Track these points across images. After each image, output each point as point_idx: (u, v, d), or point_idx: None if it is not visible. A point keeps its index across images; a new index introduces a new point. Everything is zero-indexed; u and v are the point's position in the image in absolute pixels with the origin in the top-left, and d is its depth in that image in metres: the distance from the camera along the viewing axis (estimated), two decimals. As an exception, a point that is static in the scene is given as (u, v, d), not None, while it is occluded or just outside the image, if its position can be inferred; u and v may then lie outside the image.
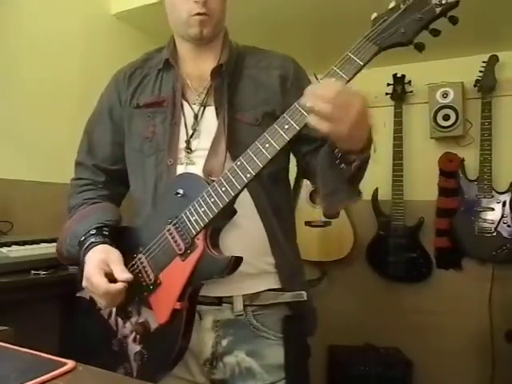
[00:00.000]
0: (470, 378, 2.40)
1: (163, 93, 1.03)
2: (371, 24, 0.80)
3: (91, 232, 0.94)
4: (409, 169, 2.59)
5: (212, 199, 0.84)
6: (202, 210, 0.85)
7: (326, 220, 2.64)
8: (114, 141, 1.08)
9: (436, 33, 0.79)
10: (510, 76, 2.42)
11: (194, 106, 1.02)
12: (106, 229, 0.95)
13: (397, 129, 2.54)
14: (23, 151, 1.73)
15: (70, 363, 0.57)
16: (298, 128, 0.79)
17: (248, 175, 0.82)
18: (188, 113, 1.01)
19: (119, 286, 0.86)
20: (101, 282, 0.86)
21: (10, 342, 0.66)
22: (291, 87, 1.02)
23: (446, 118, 2.45)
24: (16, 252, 1.24)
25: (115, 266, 0.88)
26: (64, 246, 1.00)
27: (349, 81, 0.78)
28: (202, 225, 0.85)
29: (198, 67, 1.05)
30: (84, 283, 0.90)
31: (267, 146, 0.81)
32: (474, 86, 2.39)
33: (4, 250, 1.22)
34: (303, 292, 0.99)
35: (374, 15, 0.81)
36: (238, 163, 0.83)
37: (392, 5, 0.79)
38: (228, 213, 0.87)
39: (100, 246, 0.91)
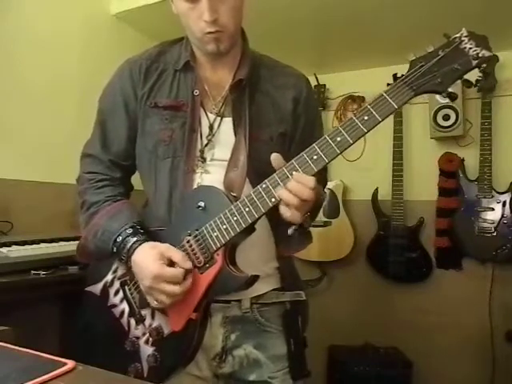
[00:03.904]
0: (470, 378, 2.40)
1: (181, 96, 1.01)
2: (409, 66, 0.82)
3: (128, 231, 0.95)
4: (409, 169, 2.59)
5: (235, 218, 0.86)
6: (224, 227, 0.87)
7: (326, 220, 2.64)
8: (129, 137, 1.06)
9: (469, 84, 0.83)
10: (510, 76, 2.42)
11: (209, 115, 1.01)
12: (140, 228, 0.97)
13: (397, 129, 2.54)
14: (23, 151, 1.73)
15: (70, 363, 0.57)
16: (327, 160, 0.83)
17: (273, 200, 0.85)
18: (204, 121, 1.01)
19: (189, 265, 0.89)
20: (175, 272, 0.88)
21: (10, 342, 0.66)
22: (301, 111, 1.06)
23: (446, 118, 2.45)
24: (16, 252, 1.23)
25: (175, 254, 0.90)
26: (92, 240, 1.00)
27: (381, 121, 0.81)
28: (223, 242, 0.88)
29: (215, 74, 1.04)
30: (148, 282, 0.89)
31: (294, 173, 0.83)
32: (474, 86, 2.39)
33: (4, 250, 1.22)
34: (302, 292, 1.07)
35: (412, 57, 0.82)
36: (264, 186, 0.85)
37: (430, 49, 0.81)
38: (248, 231, 0.89)
39: (147, 244, 0.93)
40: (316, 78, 2.78)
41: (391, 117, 2.78)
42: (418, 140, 2.64)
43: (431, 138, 2.56)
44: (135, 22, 2.23)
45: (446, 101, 2.44)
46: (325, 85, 2.80)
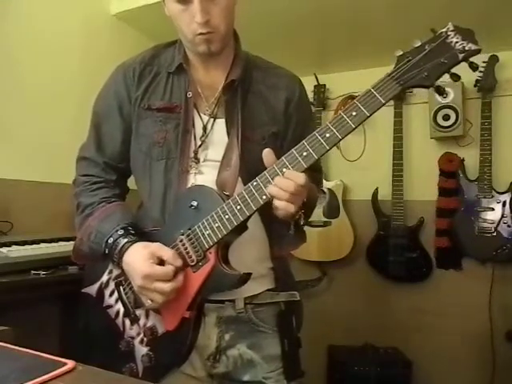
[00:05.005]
0: (470, 378, 2.40)
1: (174, 98, 1.02)
2: (396, 61, 0.82)
3: (119, 233, 0.95)
4: (409, 169, 2.59)
5: (226, 216, 0.87)
6: (216, 225, 0.87)
7: (326, 220, 2.64)
8: (124, 139, 1.07)
9: (456, 78, 0.82)
10: (510, 76, 2.42)
11: (203, 116, 1.02)
12: (131, 229, 0.97)
13: (397, 129, 2.54)
14: (23, 151, 1.73)
15: (70, 363, 0.58)
16: (316, 157, 0.83)
17: (264, 197, 0.85)
18: (197, 122, 1.01)
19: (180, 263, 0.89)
20: (165, 270, 0.88)
21: (10, 342, 0.66)
22: (293, 111, 1.07)
23: (446, 118, 2.45)
24: (16, 252, 1.24)
25: (165, 252, 0.90)
26: (87, 243, 1.01)
27: (369, 116, 0.81)
28: (215, 240, 0.88)
29: (208, 75, 1.05)
30: (140, 282, 0.89)
31: (284, 170, 0.84)
32: (474, 85, 2.39)
33: (4, 250, 1.22)
34: (296, 292, 1.07)
35: (399, 53, 0.83)
36: (255, 184, 0.86)
37: (417, 44, 0.82)
38: (240, 229, 0.89)
39: (138, 244, 0.93)
40: (316, 77, 2.78)
41: (391, 117, 2.79)
42: (417, 140, 2.64)
43: (431, 138, 2.56)
44: (135, 21, 2.23)
45: (446, 100, 2.44)
46: (325, 85, 2.80)
